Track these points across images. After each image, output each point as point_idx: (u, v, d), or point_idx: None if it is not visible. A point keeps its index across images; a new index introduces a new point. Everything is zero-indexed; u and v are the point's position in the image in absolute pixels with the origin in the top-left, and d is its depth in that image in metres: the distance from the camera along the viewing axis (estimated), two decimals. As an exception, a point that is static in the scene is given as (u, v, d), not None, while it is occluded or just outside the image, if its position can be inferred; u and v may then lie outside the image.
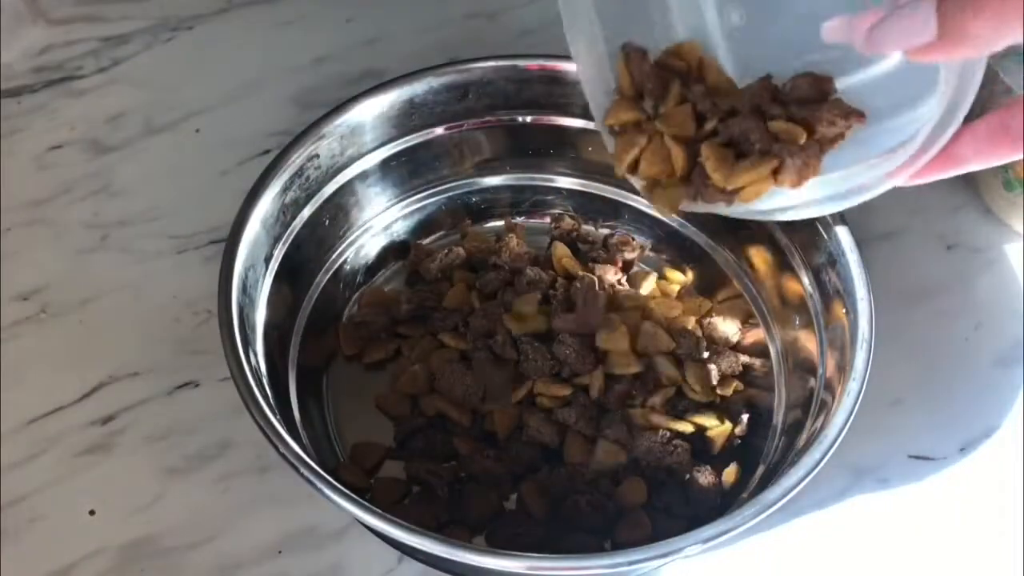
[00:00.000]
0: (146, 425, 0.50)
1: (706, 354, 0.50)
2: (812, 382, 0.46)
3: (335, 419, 0.50)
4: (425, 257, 0.54)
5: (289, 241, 0.49)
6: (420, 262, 0.54)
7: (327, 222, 0.51)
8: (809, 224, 0.48)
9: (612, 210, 0.56)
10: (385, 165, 0.53)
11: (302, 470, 0.38)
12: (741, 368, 0.50)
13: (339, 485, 0.38)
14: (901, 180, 0.39)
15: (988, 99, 0.55)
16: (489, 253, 0.53)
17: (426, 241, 0.56)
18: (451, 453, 0.48)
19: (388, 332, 0.52)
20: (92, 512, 0.47)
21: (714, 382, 0.49)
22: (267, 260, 0.47)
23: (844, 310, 0.45)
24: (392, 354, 0.51)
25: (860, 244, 0.46)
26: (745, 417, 0.49)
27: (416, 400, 0.49)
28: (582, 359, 0.48)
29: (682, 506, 0.46)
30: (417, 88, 0.51)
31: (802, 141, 0.40)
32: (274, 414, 0.41)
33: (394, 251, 0.55)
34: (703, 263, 0.54)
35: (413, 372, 0.50)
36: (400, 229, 0.55)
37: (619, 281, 0.53)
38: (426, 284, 0.53)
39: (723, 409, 0.49)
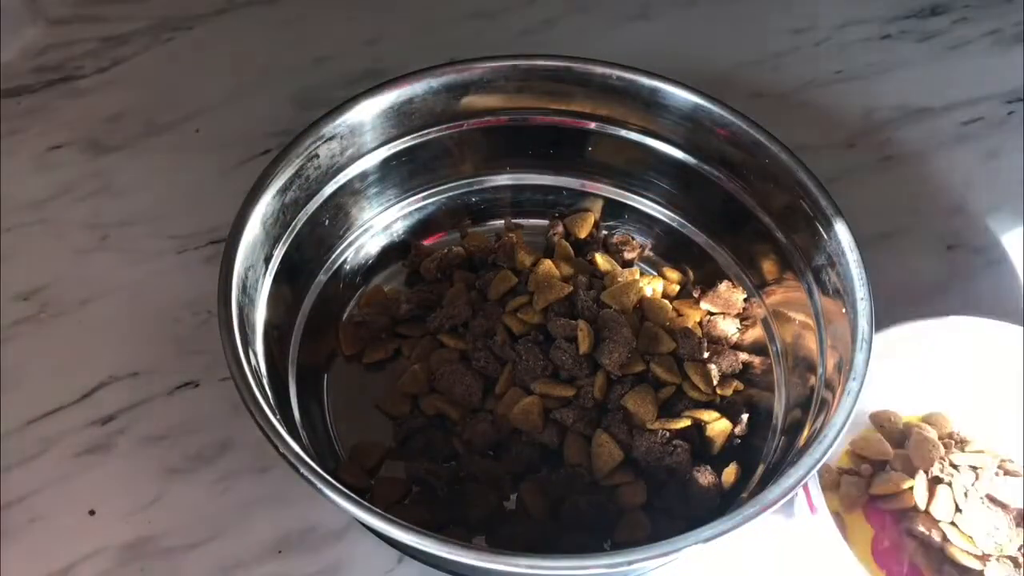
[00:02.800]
0: (146, 425, 0.50)
1: (706, 354, 0.50)
2: (812, 381, 0.46)
3: (335, 419, 0.50)
4: (425, 257, 0.54)
5: (289, 241, 0.49)
6: (420, 262, 0.54)
7: (327, 222, 0.51)
8: (809, 224, 0.48)
9: (612, 210, 0.56)
10: (385, 165, 0.52)
11: (302, 470, 0.38)
12: (741, 366, 0.50)
13: (339, 485, 0.38)
14: None
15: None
16: (489, 253, 0.53)
17: (426, 241, 0.56)
18: (451, 453, 0.48)
19: (388, 332, 0.52)
20: (92, 512, 0.47)
21: (715, 381, 0.49)
22: (267, 260, 0.47)
23: (844, 310, 0.45)
24: (392, 354, 0.52)
25: (860, 244, 0.46)
26: (745, 417, 0.49)
27: (416, 400, 0.49)
28: (579, 365, 0.48)
29: (682, 506, 0.46)
30: (417, 88, 0.51)
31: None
32: (274, 414, 0.41)
33: (394, 251, 0.55)
34: (703, 263, 0.54)
35: (413, 372, 0.50)
36: (400, 229, 0.55)
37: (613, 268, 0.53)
38: (426, 284, 0.53)
39: (723, 409, 0.49)
